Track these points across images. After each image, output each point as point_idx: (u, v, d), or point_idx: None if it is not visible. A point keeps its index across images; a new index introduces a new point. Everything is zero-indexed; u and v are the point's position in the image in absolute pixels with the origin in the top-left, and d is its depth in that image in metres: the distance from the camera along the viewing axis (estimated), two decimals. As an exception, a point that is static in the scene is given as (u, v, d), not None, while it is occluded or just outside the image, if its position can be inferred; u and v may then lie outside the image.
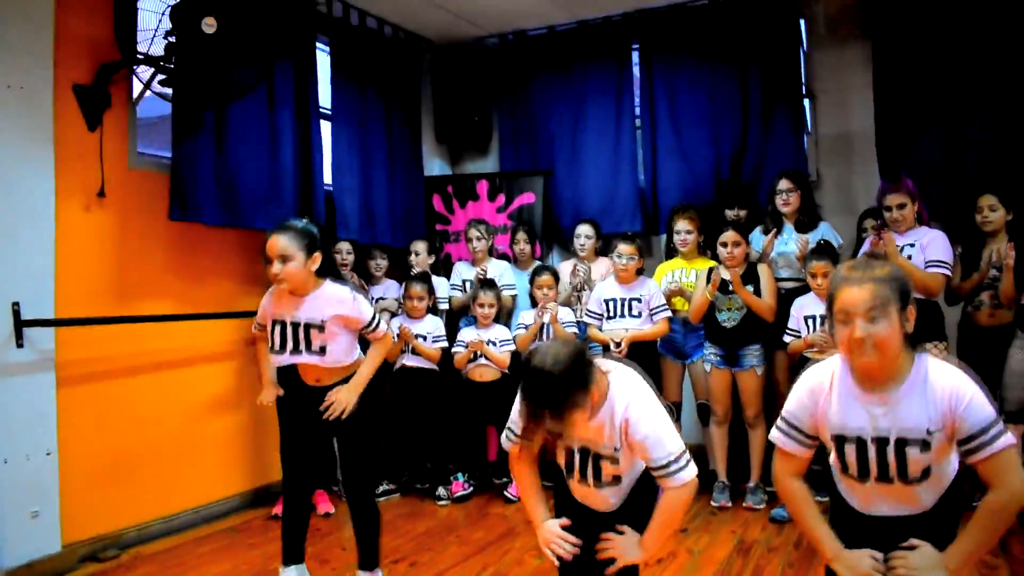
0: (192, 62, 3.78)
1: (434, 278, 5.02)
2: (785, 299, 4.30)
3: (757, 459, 4.36)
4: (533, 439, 2.12)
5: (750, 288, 4.24)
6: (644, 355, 4.30)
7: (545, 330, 4.58)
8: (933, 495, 1.92)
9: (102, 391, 3.86)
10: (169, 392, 4.19)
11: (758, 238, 4.61)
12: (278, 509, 4.24)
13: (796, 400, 2.02)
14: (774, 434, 2.07)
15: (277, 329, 2.86)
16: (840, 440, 1.93)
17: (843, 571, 1.93)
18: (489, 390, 4.62)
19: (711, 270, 4.35)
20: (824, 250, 4.11)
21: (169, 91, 3.89)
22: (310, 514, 2.97)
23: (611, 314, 4.48)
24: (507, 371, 4.61)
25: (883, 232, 3.92)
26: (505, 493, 4.61)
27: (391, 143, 5.46)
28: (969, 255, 4.16)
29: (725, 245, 4.30)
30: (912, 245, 3.99)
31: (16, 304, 3.42)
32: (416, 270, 5.00)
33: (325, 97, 5.04)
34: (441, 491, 4.63)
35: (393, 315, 4.87)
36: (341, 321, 2.87)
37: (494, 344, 4.63)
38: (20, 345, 3.43)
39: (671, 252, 4.83)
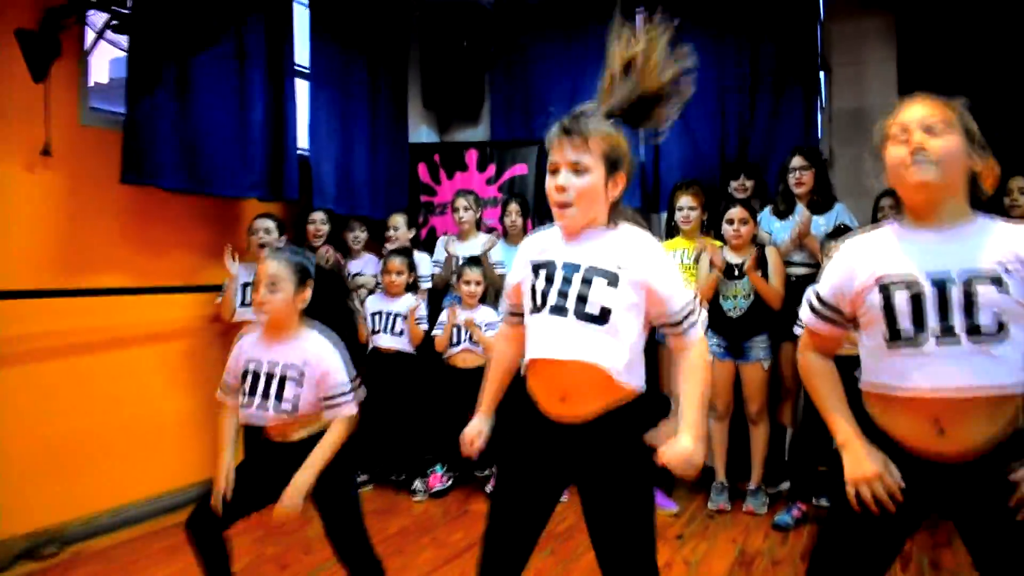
0: (150, 6, 3.38)
1: (416, 253, 4.67)
2: (794, 287, 3.99)
3: (759, 459, 4.07)
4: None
5: (758, 273, 3.91)
6: (642, 343, 4.00)
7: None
8: (1004, 378, 1.50)
9: (45, 371, 3.54)
10: (121, 372, 3.85)
11: (768, 219, 4.31)
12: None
13: (831, 270, 1.75)
14: (803, 313, 1.80)
15: (249, 377, 2.51)
16: (886, 291, 1.59)
17: (848, 463, 1.64)
18: (473, 377, 4.25)
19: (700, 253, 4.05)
20: (843, 230, 3.81)
21: (122, 38, 3.49)
22: (223, 545, 2.58)
23: (608, 299, 4.13)
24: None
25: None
26: (487, 489, 4.29)
27: (374, 107, 5.10)
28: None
29: (731, 222, 3.97)
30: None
31: (-55, 274, 3.08)
32: (395, 246, 4.63)
33: (302, 55, 4.66)
34: (418, 484, 4.32)
35: (371, 292, 4.55)
36: (317, 379, 2.49)
37: (479, 328, 4.30)
38: (-50, 320, 3.09)
39: (672, 231, 4.51)
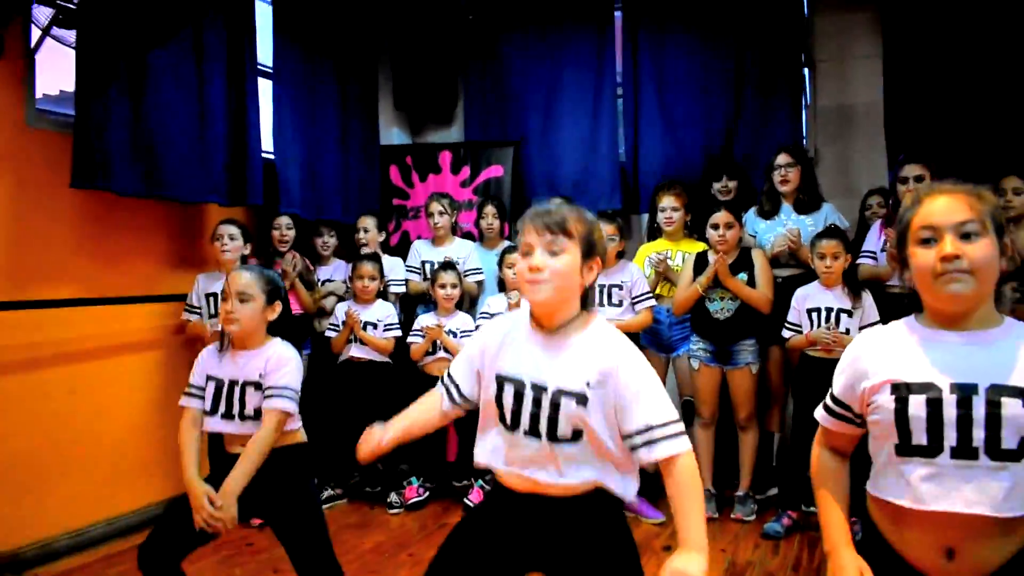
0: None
1: (387, 259, 4.52)
2: (782, 288, 3.88)
3: (748, 465, 3.94)
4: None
5: (743, 277, 3.79)
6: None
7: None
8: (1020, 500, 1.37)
9: (-5, 387, 3.34)
10: (76, 388, 3.66)
11: (753, 220, 4.19)
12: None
13: (842, 366, 1.61)
14: (818, 412, 1.68)
15: (211, 387, 2.42)
16: (901, 392, 1.44)
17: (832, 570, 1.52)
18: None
19: (699, 256, 3.91)
20: (834, 230, 3.69)
21: (69, 34, 3.30)
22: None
23: (589, 303, 3.98)
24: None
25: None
26: (465, 500, 4.13)
27: (343, 107, 4.94)
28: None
29: (716, 227, 3.84)
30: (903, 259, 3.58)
31: None
32: (366, 250, 4.46)
33: (266, 54, 4.48)
34: (393, 497, 4.16)
35: (340, 299, 4.38)
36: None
37: (454, 335, 4.14)
38: None
39: (654, 232, 4.38)
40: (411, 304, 4.54)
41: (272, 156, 4.51)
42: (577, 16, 5.18)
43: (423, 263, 4.55)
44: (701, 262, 3.92)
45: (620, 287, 3.91)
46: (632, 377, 1.63)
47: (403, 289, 4.50)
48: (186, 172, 3.84)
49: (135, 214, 3.90)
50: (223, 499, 2.26)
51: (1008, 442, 1.36)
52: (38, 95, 3.57)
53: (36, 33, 3.48)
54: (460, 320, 4.20)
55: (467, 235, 4.81)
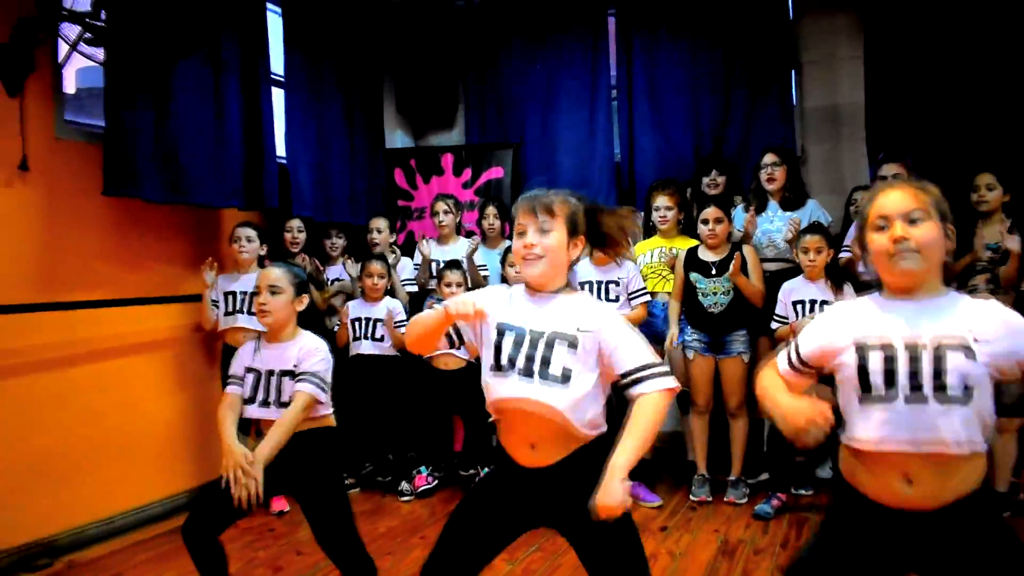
0: (125, 18, 3.40)
1: (401, 258, 4.75)
2: (769, 282, 4.09)
3: (739, 451, 4.15)
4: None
5: (747, 276, 4.00)
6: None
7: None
8: (968, 436, 1.59)
9: (30, 385, 3.54)
10: (104, 384, 3.86)
11: (741, 215, 4.39)
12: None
13: (813, 330, 1.84)
14: (780, 362, 1.88)
15: (250, 378, 2.65)
16: (862, 350, 1.68)
17: (783, 413, 1.73)
18: (455, 378, 4.34)
19: (690, 251, 4.14)
20: (816, 226, 3.90)
21: (97, 51, 3.50)
22: (220, 548, 2.64)
23: (586, 299, 4.19)
24: (473, 359, 4.33)
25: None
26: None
27: (349, 114, 5.14)
28: (961, 235, 3.95)
29: (706, 222, 4.05)
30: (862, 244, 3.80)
31: (-75, 291, 3.08)
32: (377, 250, 4.67)
33: (278, 63, 4.68)
34: (404, 486, 4.37)
35: (350, 297, 4.58)
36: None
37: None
38: (-66, 335, 3.09)
39: (649, 230, 4.58)
40: (419, 302, 4.74)
41: (284, 161, 4.71)
42: (572, 23, 5.37)
43: (424, 260, 4.72)
44: (692, 257, 4.13)
45: (617, 283, 4.11)
46: (614, 331, 1.87)
47: (414, 288, 4.70)
48: (207, 179, 4.05)
49: (156, 219, 4.10)
50: (254, 460, 2.46)
51: (953, 388, 1.59)
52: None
53: (63, 49, 3.67)
54: None
55: (470, 234, 5.01)
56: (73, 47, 3.61)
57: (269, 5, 4.59)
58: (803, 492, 4.06)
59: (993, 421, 1.64)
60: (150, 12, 3.40)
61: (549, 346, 1.87)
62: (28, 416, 3.52)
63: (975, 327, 1.62)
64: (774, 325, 3.89)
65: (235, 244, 4.10)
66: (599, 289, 4.11)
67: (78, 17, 3.36)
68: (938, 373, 1.60)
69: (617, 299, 4.12)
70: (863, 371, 1.67)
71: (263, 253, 4.18)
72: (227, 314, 4.11)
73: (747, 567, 3.25)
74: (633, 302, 4.12)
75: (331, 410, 2.68)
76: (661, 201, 4.40)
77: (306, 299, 2.68)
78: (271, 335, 2.66)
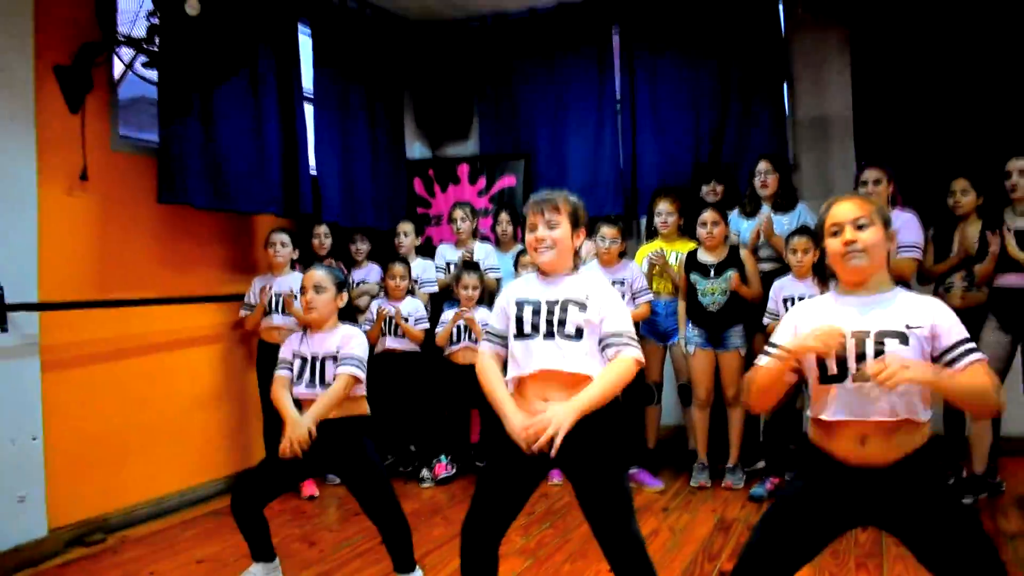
0: (176, 44, 3.75)
1: (420, 261, 5.04)
2: (762, 281, 4.37)
3: (736, 440, 4.43)
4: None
5: (732, 272, 4.30)
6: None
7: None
8: (905, 407, 1.89)
9: (87, 375, 3.86)
10: (154, 376, 4.19)
11: (736, 219, 4.66)
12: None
13: (781, 325, 2.13)
14: (759, 358, 2.12)
15: (298, 363, 3.00)
16: None
17: (805, 341, 1.94)
18: (472, 372, 4.58)
19: (690, 254, 4.44)
20: (804, 229, 4.17)
21: (150, 73, 3.86)
22: (264, 519, 3.00)
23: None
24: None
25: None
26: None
27: (373, 126, 5.45)
28: (940, 237, 4.25)
29: (704, 225, 4.35)
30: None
31: (0, 288, 3.39)
32: (403, 251, 5.00)
33: (308, 80, 5.02)
34: (425, 473, 4.66)
35: (374, 298, 4.87)
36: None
37: (480, 325, 4.65)
38: (4, 329, 3.41)
39: (651, 234, 4.88)
40: (437, 303, 5.04)
41: (314, 172, 5.03)
42: (579, 41, 5.62)
43: (447, 263, 5.06)
44: (691, 259, 4.44)
45: (622, 283, 4.40)
46: (606, 300, 2.26)
47: (435, 288, 5.01)
48: (249, 188, 4.41)
49: (199, 226, 4.43)
50: (298, 427, 2.79)
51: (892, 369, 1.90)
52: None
53: (119, 68, 4.03)
54: (483, 313, 4.64)
55: (485, 238, 5.30)
56: (129, 68, 3.95)
57: (300, 27, 4.93)
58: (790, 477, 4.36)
59: (931, 395, 1.94)
60: (198, 37, 3.74)
61: (564, 309, 2.24)
62: (85, 403, 3.83)
63: (910, 317, 1.94)
64: (766, 320, 4.17)
65: (271, 248, 4.42)
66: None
67: (135, 43, 3.70)
68: (878, 356, 1.90)
69: (622, 298, 4.42)
70: (821, 360, 1.98)
71: (295, 257, 4.51)
72: (274, 313, 4.42)
73: (740, 540, 3.52)
74: (637, 300, 4.43)
75: (364, 392, 3.00)
76: (663, 207, 4.69)
77: (345, 296, 3.04)
78: (315, 326, 3.01)
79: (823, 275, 3.98)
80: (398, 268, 4.72)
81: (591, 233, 4.42)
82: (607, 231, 4.43)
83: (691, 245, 4.60)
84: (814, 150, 5.29)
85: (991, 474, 4.03)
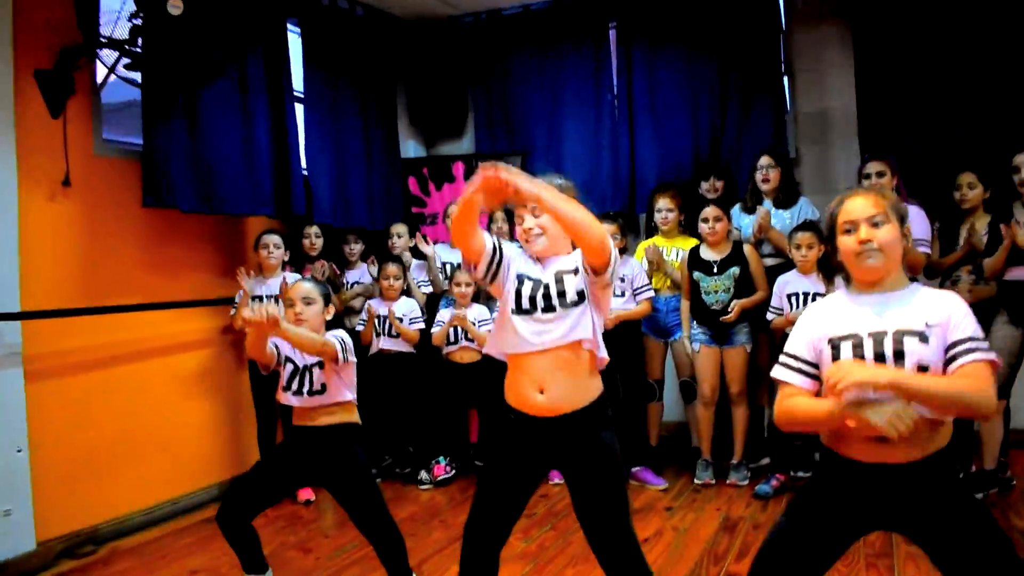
0: (159, 45, 3.67)
1: (416, 262, 4.98)
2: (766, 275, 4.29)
3: (740, 436, 4.35)
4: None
5: (736, 270, 4.22)
6: (628, 334, 4.33)
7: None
8: (921, 409, 1.76)
9: (73, 384, 3.79)
10: (143, 383, 4.12)
11: (737, 215, 4.58)
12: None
13: (795, 332, 2.01)
14: (775, 371, 2.00)
15: (288, 368, 2.91)
16: (835, 344, 1.89)
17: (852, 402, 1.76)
18: (470, 372, 4.56)
19: (693, 251, 4.35)
20: (809, 224, 4.10)
21: (133, 75, 3.79)
22: (253, 531, 2.91)
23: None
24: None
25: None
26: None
27: (366, 125, 5.37)
28: (946, 231, 4.16)
29: (706, 220, 4.27)
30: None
31: (-20, 298, 3.32)
32: (396, 252, 4.93)
33: (298, 80, 4.94)
34: (423, 475, 4.59)
35: (368, 298, 4.80)
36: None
37: (473, 324, 4.57)
38: (-14, 339, 3.34)
39: (651, 231, 4.81)
40: (435, 302, 4.96)
41: (305, 172, 4.94)
42: (575, 36, 5.54)
43: (443, 264, 4.98)
44: (694, 257, 4.35)
45: (622, 279, 4.33)
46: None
47: (431, 289, 4.93)
48: (239, 190, 4.32)
49: (187, 229, 4.35)
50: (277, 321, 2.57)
51: (909, 364, 1.80)
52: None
53: (101, 71, 3.94)
54: (477, 311, 4.57)
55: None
56: (111, 71, 3.88)
57: (289, 25, 4.85)
58: (801, 474, 4.23)
59: None
60: (182, 38, 3.66)
61: (560, 281, 2.19)
62: (73, 413, 3.76)
63: (928, 314, 1.84)
64: (770, 316, 4.09)
65: (262, 251, 4.34)
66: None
67: (117, 44, 3.62)
68: (898, 356, 1.81)
69: (623, 294, 4.35)
70: (835, 357, 1.88)
71: (286, 259, 4.43)
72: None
73: (747, 540, 3.46)
74: (638, 297, 4.35)
75: (355, 397, 2.91)
76: (662, 203, 4.61)
77: (332, 309, 2.97)
78: None
79: (828, 271, 3.92)
80: (392, 268, 4.66)
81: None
82: (607, 228, 4.27)
83: (692, 242, 4.53)
84: (815, 145, 5.22)
85: (1002, 469, 3.94)
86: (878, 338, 1.84)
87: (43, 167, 3.66)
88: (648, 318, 4.52)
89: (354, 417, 2.92)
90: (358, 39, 5.33)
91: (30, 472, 3.50)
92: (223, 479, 4.49)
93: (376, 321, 4.62)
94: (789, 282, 4.05)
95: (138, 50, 3.64)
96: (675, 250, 4.60)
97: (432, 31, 5.83)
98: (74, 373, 3.79)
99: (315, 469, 2.87)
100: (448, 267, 4.92)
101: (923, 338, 1.81)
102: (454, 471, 4.68)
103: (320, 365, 2.83)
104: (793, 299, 4.00)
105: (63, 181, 3.72)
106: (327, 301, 2.94)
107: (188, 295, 4.35)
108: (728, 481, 4.29)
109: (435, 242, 5.29)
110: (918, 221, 3.92)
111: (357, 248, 5.01)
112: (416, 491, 4.51)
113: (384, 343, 4.65)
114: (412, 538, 3.70)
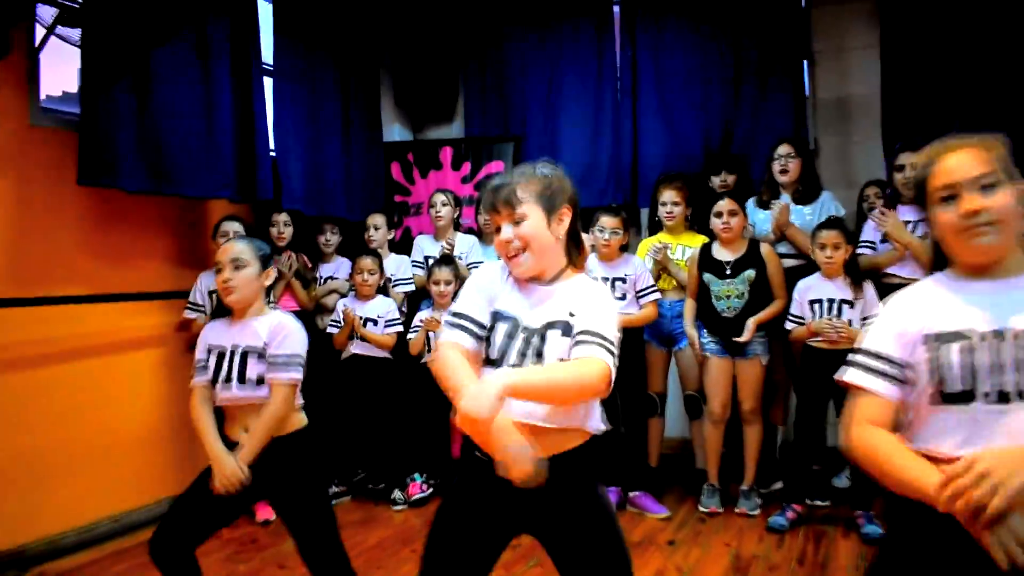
0: (103, -1, 3.23)
1: (395, 257, 4.59)
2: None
3: (752, 459, 3.94)
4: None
5: (752, 272, 3.81)
6: (628, 342, 3.84)
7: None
8: None
9: (1, 384, 3.38)
10: (82, 384, 3.70)
11: (752, 210, 4.21)
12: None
13: (878, 324, 1.56)
14: (850, 374, 1.53)
15: (213, 357, 2.47)
16: (937, 344, 1.44)
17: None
18: (452, 380, 4.13)
19: (703, 248, 3.94)
20: (834, 221, 3.72)
21: (74, 32, 3.33)
22: (195, 564, 2.44)
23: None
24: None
25: (886, 209, 3.67)
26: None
27: (344, 105, 4.96)
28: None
29: (720, 215, 3.85)
30: (925, 220, 3.60)
31: None
32: (374, 247, 4.51)
33: (266, 51, 4.51)
34: (397, 494, 4.19)
35: (343, 296, 4.42)
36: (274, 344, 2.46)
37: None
38: None
39: (655, 226, 4.41)
40: (418, 300, 4.56)
41: (274, 153, 4.53)
42: (576, 11, 5.22)
43: (426, 258, 4.58)
44: (705, 256, 3.93)
45: (623, 280, 3.93)
46: (596, 303, 1.73)
47: (411, 287, 4.54)
48: (195, 169, 3.88)
49: (138, 213, 3.95)
50: (238, 463, 2.31)
51: None
52: (42, 96, 3.59)
53: (40, 32, 3.51)
54: None
55: (469, 230, 4.83)
56: (51, 31, 3.45)
57: (259, -9, 4.41)
58: (819, 503, 3.85)
59: None
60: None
61: (542, 338, 1.71)
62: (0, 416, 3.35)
63: None
64: (789, 326, 3.70)
65: (221, 239, 3.91)
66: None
67: (54, -2, 3.18)
68: (1022, 367, 1.37)
69: (624, 296, 3.93)
70: (935, 368, 1.43)
71: None
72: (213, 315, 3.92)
73: (761, 583, 3.06)
74: (642, 300, 3.94)
75: (301, 401, 2.50)
76: (668, 196, 4.21)
77: (273, 272, 2.52)
78: (238, 313, 2.47)
79: (856, 275, 3.48)
80: (367, 262, 4.26)
81: (589, 225, 3.88)
82: (607, 221, 3.93)
83: (700, 239, 4.15)
84: (836, 133, 4.90)
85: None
86: (995, 340, 1.40)
87: (-31, 138, 3.26)
88: (650, 324, 4.09)
89: (299, 421, 2.48)
90: (338, 8, 4.91)
91: (-56, 485, 3.10)
92: (173, 493, 3.99)
93: (357, 323, 4.21)
94: (812, 287, 3.67)
95: (76, 4, 3.18)
96: (681, 248, 4.21)
97: (422, 4, 5.46)
98: (3, 372, 3.38)
99: (259, 488, 2.41)
100: (432, 262, 4.49)
101: None
102: (431, 490, 4.27)
103: (259, 355, 2.40)
104: (816, 306, 3.63)
105: (-8, 153, 3.32)
106: (265, 263, 2.49)
107: (138, 287, 3.94)
108: (737, 510, 3.88)
109: (419, 233, 4.90)
110: None
111: (334, 239, 4.61)
112: (389, 512, 4.11)
113: (358, 347, 4.25)
114: (380, 569, 3.31)
